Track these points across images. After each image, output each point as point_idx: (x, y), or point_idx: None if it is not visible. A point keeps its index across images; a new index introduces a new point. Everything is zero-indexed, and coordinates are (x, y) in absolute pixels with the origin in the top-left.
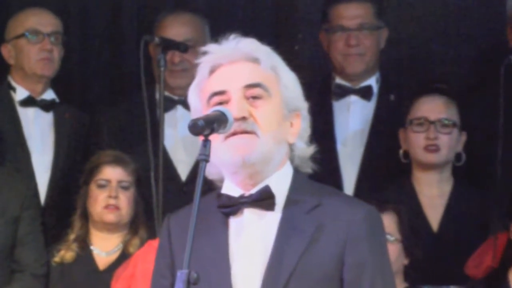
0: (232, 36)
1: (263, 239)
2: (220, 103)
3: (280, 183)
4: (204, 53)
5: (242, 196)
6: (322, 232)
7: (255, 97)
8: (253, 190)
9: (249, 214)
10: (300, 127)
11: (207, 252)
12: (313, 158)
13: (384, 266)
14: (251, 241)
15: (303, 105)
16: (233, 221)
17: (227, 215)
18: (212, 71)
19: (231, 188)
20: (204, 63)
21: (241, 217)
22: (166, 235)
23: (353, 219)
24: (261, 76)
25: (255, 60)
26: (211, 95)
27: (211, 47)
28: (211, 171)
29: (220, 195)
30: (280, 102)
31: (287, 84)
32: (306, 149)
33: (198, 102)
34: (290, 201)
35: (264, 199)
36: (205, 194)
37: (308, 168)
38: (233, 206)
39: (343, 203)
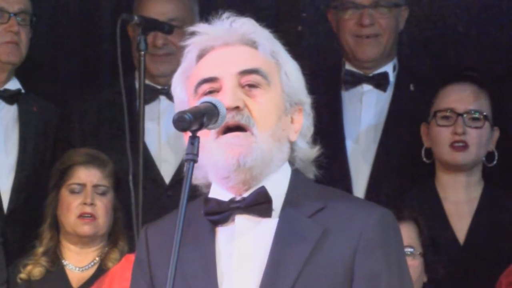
0: (225, 15)
1: (258, 251)
2: (210, 92)
3: (277, 185)
4: (192, 34)
5: (233, 201)
6: (328, 239)
7: (251, 85)
8: (246, 193)
9: (242, 222)
10: (302, 124)
11: (191, 270)
12: (317, 162)
13: (402, 278)
14: (244, 253)
15: (306, 100)
16: (222, 231)
17: (215, 223)
18: (201, 55)
19: (219, 192)
20: (192, 46)
21: (232, 225)
22: (144, 249)
23: (365, 223)
24: (259, 62)
25: (253, 44)
26: (199, 82)
27: (200, 27)
28: (195, 174)
29: (208, 200)
30: (281, 93)
31: (289, 73)
32: (308, 151)
33: (184, 93)
34: (288, 204)
35: (259, 204)
36: (191, 200)
37: (311, 173)
38: (222, 212)
39: (351, 206)
